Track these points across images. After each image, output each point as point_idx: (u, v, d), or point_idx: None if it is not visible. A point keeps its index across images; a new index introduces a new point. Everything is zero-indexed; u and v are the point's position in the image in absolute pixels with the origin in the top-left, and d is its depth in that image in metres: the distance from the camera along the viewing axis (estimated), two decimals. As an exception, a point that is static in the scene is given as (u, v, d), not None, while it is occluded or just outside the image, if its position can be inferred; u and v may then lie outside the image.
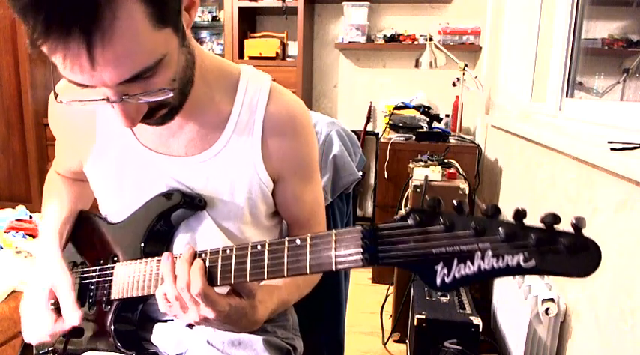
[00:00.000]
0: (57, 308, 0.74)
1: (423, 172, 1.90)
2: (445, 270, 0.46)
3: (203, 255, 0.63)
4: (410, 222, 0.48)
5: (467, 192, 1.84)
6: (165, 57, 0.56)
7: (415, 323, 1.55)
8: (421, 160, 2.12)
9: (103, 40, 0.49)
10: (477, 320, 1.51)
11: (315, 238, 0.55)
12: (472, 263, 0.45)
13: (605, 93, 1.85)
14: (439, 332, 1.53)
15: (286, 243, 0.57)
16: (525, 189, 1.81)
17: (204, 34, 3.40)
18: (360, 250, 0.50)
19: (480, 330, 1.51)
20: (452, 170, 1.96)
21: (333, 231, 0.54)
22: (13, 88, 3.15)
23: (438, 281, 0.46)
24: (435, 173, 1.90)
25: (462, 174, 2.00)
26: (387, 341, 2.02)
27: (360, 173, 1.06)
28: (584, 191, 1.25)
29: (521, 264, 0.43)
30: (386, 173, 2.51)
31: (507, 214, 1.68)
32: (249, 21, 3.28)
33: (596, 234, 1.16)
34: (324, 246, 0.54)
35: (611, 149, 1.05)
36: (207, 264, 0.62)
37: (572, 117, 1.71)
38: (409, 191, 1.92)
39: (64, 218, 0.84)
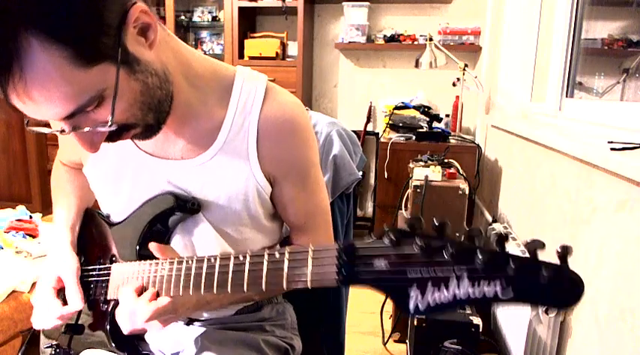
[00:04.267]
0: (63, 295, 0.76)
1: (423, 172, 1.89)
2: (419, 296, 0.44)
3: (190, 261, 0.63)
4: (385, 242, 0.46)
5: (467, 192, 1.84)
6: (104, 91, 0.55)
7: (415, 323, 1.55)
8: (421, 160, 2.12)
9: (17, 91, 0.50)
10: (477, 320, 1.51)
11: (293, 253, 0.54)
12: (447, 289, 0.43)
13: (605, 93, 1.85)
14: (439, 332, 1.53)
15: (266, 256, 0.56)
16: (525, 189, 1.81)
17: (204, 34, 3.40)
18: (335, 270, 0.49)
19: (480, 330, 1.51)
20: (452, 170, 1.96)
21: (311, 246, 0.52)
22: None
23: (411, 306, 0.44)
24: (435, 173, 1.90)
25: (462, 174, 2.00)
26: (387, 341, 2.02)
27: (360, 173, 1.06)
28: (584, 191, 1.25)
29: (499, 293, 0.41)
30: (386, 173, 2.51)
31: (508, 215, 1.67)
32: (249, 21, 3.28)
33: (596, 234, 1.16)
34: (300, 262, 0.52)
35: (611, 149, 1.05)
36: (193, 272, 0.62)
37: (572, 117, 1.71)
38: (409, 191, 1.92)
39: (74, 212, 0.85)
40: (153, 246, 0.68)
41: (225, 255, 0.60)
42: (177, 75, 0.66)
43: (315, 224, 0.81)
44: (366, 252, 0.47)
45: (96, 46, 0.52)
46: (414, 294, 0.44)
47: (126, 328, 0.66)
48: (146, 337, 0.84)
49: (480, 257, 0.42)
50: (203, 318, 0.85)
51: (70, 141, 0.85)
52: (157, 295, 0.65)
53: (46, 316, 0.75)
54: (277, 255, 0.55)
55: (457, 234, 0.45)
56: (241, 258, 0.58)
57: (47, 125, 0.74)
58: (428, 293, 0.43)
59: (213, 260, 0.61)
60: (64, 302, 0.75)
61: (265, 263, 0.55)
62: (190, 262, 0.63)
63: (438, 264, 0.43)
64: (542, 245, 0.41)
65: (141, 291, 0.67)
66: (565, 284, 0.40)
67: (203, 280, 0.61)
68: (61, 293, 0.77)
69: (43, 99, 0.52)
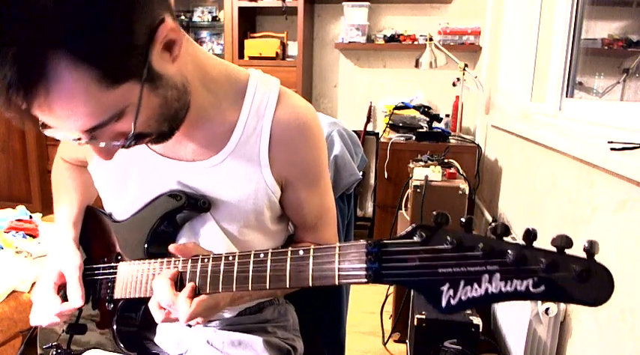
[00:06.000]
0: (64, 291, 0.76)
1: (423, 172, 1.89)
2: (451, 292, 0.44)
3: (205, 260, 0.63)
4: (416, 239, 0.46)
5: (467, 192, 1.84)
6: (126, 107, 0.55)
7: (415, 323, 1.55)
8: (421, 160, 2.12)
9: (42, 108, 0.50)
10: (476, 320, 1.51)
11: (319, 250, 0.54)
12: (479, 285, 0.43)
13: (605, 93, 1.85)
14: (439, 332, 1.53)
15: (289, 253, 0.56)
16: (525, 189, 1.81)
17: (204, 34, 3.40)
18: (364, 266, 0.49)
19: (480, 330, 1.51)
20: (452, 170, 1.96)
21: (337, 243, 0.53)
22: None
23: (444, 302, 0.44)
24: (435, 173, 1.90)
25: (462, 174, 2.00)
26: (387, 341, 2.02)
27: (361, 173, 1.06)
28: (584, 191, 1.25)
29: (531, 289, 0.41)
30: (386, 173, 2.51)
31: (508, 215, 1.67)
32: (249, 21, 3.28)
33: (596, 234, 1.16)
34: (327, 258, 0.52)
35: (611, 149, 1.05)
36: (210, 269, 0.62)
37: (572, 117, 1.71)
38: (409, 191, 1.92)
39: (76, 208, 0.85)
40: (172, 248, 0.67)
41: (244, 253, 0.60)
42: (195, 80, 0.66)
43: (325, 223, 0.83)
44: (395, 248, 0.47)
45: (123, 66, 0.52)
46: (447, 291, 0.44)
47: (159, 319, 0.65)
48: (155, 339, 0.84)
49: (511, 253, 0.42)
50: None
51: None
52: (197, 291, 0.64)
53: (44, 312, 0.75)
54: (301, 253, 0.55)
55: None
56: (262, 256, 0.58)
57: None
58: (460, 290, 0.44)
59: (231, 257, 0.61)
60: (65, 299, 0.75)
61: (289, 260, 0.56)
62: (206, 260, 0.63)
63: (469, 259, 0.44)
64: (569, 242, 0.41)
65: (176, 281, 0.65)
66: (595, 279, 0.40)
67: (221, 278, 0.61)
68: (62, 289, 0.77)
69: (65, 117, 0.52)
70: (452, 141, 2.56)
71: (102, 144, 0.58)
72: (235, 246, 0.77)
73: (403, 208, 2.07)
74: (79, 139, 0.57)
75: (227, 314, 0.85)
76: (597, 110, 1.54)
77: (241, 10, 3.02)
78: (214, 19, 3.27)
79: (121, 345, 0.75)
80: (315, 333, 1.01)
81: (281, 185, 0.76)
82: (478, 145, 2.49)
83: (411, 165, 2.10)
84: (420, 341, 1.55)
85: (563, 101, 1.83)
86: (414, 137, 2.58)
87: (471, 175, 2.38)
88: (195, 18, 3.29)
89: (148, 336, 0.84)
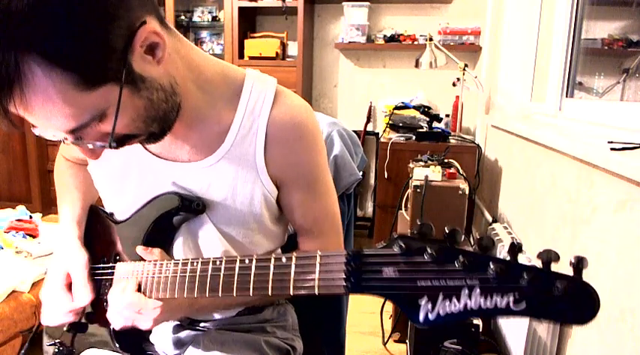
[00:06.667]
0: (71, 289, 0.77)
1: (423, 172, 1.89)
2: (429, 305, 0.43)
3: (195, 263, 0.63)
4: (395, 250, 0.45)
5: (467, 192, 1.84)
6: (107, 109, 0.55)
7: (415, 323, 1.55)
8: (421, 160, 2.12)
9: (19, 110, 0.51)
10: (477, 320, 1.51)
11: (301, 258, 0.53)
12: (458, 300, 0.42)
13: (605, 93, 1.85)
14: (439, 332, 1.53)
15: (272, 260, 0.55)
16: (525, 189, 1.81)
17: (204, 34, 3.40)
18: (343, 276, 0.48)
19: (480, 330, 1.51)
20: (452, 170, 1.96)
21: (319, 252, 0.52)
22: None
23: (421, 316, 0.43)
24: (435, 173, 1.90)
25: (462, 174, 2.00)
26: (387, 341, 2.02)
27: (361, 173, 1.06)
28: (584, 191, 1.25)
29: (511, 305, 0.40)
30: (386, 173, 2.51)
31: (508, 215, 1.66)
32: (249, 21, 3.28)
33: (596, 234, 1.16)
34: (308, 268, 0.52)
35: (611, 149, 1.05)
36: (198, 274, 0.63)
37: (572, 117, 1.71)
38: (409, 191, 1.92)
39: (79, 207, 0.85)
40: (139, 249, 0.69)
41: (230, 258, 0.60)
42: (187, 82, 0.66)
43: (324, 229, 0.80)
44: (375, 259, 0.46)
45: (100, 70, 0.52)
46: (425, 304, 0.43)
47: (119, 324, 0.68)
48: (151, 338, 0.84)
49: (493, 267, 0.41)
50: (205, 319, 0.85)
51: None
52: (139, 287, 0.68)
53: (56, 312, 0.75)
54: (284, 260, 0.54)
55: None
56: (247, 262, 0.58)
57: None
58: (439, 304, 0.43)
59: (218, 262, 0.61)
60: (71, 295, 0.76)
61: (272, 267, 0.55)
62: (195, 264, 0.63)
63: (449, 273, 0.42)
64: (556, 256, 0.40)
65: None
66: (580, 298, 0.39)
67: (208, 282, 0.61)
68: (70, 288, 0.77)
69: (44, 119, 0.53)
70: (452, 141, 2.56)
71: (89, 146, 0.59)
72: (233, 246, 0.77)
73: (403, 208, 2.07)
74: (66, 139, 0.57)
75: (219, 315, 0.85)
76: (597, 110, 1.54)
77: (241, 10, 3.02)
78: (214, 19, 3.27)
79: (117, 345, 0.75)
80: (315, 333, 1.01)
81: (277, 185, 0.75)
82: (478, 145, 2.49)
83: (411, 165, 2.10)
84: (420, 341, 1.55)
85: (563, 101, 1.83)
86: (414, 137, 2.58)
87: (471, 175, 2.38)
88: (195, 18, 3.29)
89: (145, 336, 0.84)
